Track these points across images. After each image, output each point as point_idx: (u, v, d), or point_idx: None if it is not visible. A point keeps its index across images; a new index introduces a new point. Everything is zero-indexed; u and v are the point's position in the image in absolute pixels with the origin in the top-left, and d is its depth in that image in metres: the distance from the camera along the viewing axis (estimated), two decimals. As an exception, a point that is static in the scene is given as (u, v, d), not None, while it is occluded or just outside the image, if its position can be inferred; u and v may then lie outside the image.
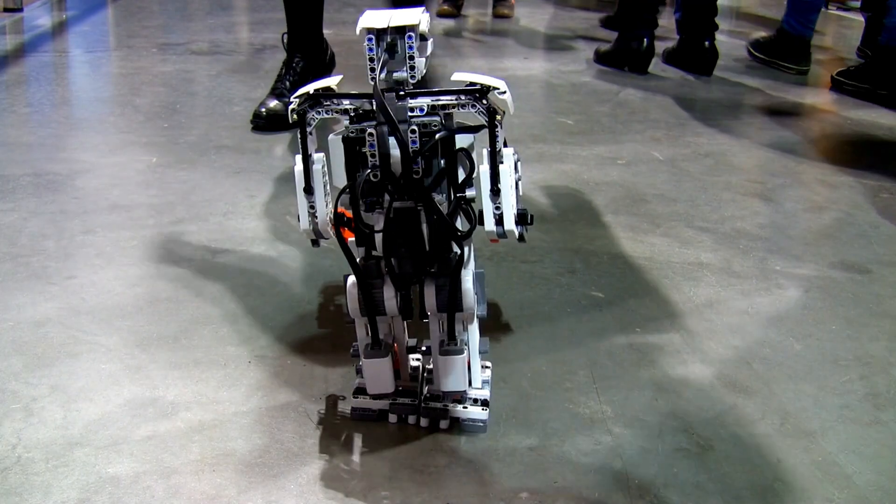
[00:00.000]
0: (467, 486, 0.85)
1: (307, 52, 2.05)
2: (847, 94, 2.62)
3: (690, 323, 1.19)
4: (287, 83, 2.02)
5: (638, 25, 2.74)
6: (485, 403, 0.95)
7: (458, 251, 0.88)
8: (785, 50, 2.92)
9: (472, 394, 0.95)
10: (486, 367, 1.00)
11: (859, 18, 4.26)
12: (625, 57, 2.77)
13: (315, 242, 0.92)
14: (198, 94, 2.26)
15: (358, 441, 0.91)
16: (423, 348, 1.00)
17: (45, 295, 1.19)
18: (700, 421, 0.97)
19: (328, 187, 0.88)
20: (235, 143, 1.87)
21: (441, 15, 3.70)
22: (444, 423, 0.94)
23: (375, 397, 0.95)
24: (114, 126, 1.96)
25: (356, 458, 0.89)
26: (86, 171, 1.66)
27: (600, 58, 2.84)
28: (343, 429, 0.93)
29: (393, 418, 0.94)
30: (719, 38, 2.81)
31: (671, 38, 2.93)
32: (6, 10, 3.12)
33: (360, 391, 0.96)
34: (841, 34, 3.90)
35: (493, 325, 1.14)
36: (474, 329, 0.93)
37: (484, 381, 0.97)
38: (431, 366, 0.96)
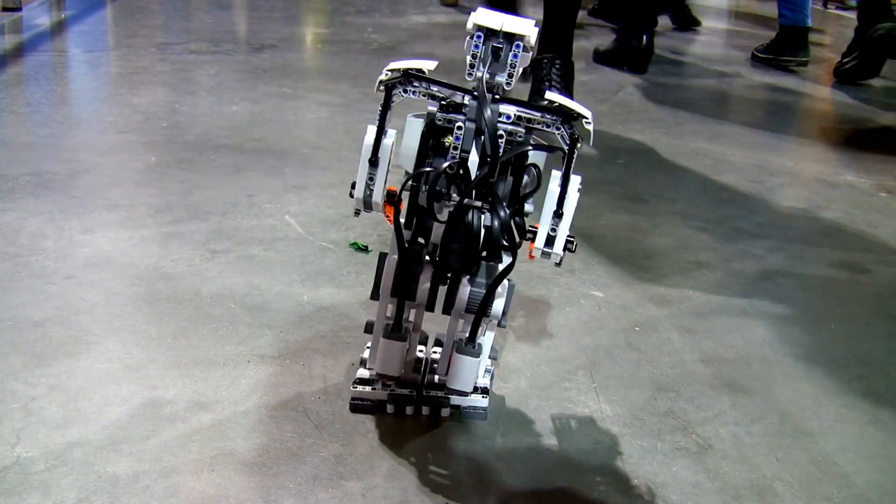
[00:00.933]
0: (467, 486, 0.85)
1: (559, 50, 2.09)
2: (848, 81, 2.65)
3: (689, 322, 1.19)
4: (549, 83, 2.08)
5: (637, 24, 2.74)
6: (485, 391, 0.97)
7: (508, 260, 0.89)
8: (783, 44, 2.91)
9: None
10: (491, 357, 1.01)
11: (858, 18, 4.26)
12: (624, 56, 2.76)
13: (357, 213, 0.93)
14: (197, 94, 2.26)
15: (357, 440, 0.91)
16: (434, 340, 1.02)
17: (44, 294, 1.19)
18: (699, 420, 0.97)
19: (391, 164, 0.90)
20: (234, 143, 1.87)
21: (443, 3, 3.84)
22: (445, 411, 0.95)
23: (374, 387, 0.96)
24: (113, 125, 1.96)
25: (355, 457, 0.89)
26: (85, 170, 1.66)
27: (599, 57, 2.84)
28: (342, 428, 0.93)
29: (390, 408, 0.96)
30: (718, 39, 2.81)
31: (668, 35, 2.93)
32: (5, 9, 3.12)
33: (359, 381, 0.98)
34: (840, 33, 3.90)
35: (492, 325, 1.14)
36: (490, 335, 0.95)
37: (486, 371, 0.99)
38: (436, 356, 0.98)
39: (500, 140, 0.86)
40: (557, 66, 2.08)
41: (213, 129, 1.96)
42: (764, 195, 1.71)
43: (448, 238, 0.88)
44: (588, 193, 1.67)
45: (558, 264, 0.91)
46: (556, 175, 0.87)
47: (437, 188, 0.87)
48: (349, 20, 3.41)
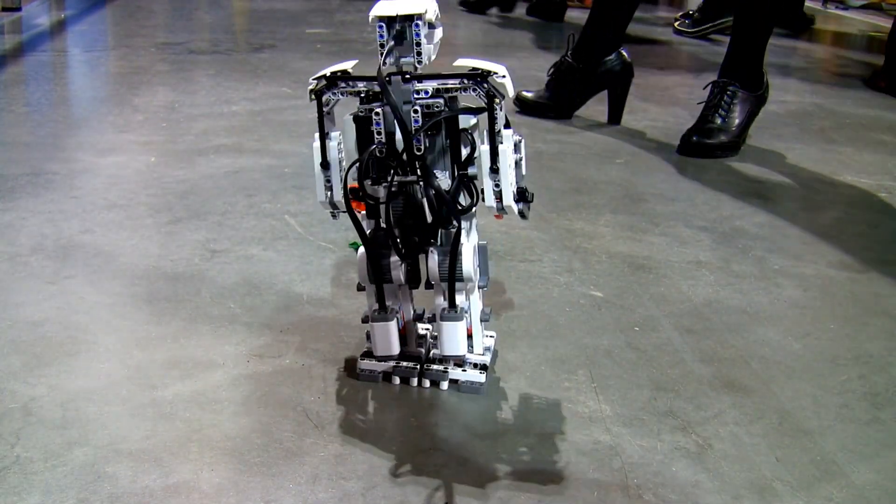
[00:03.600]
0: (467, 486, 0.85)
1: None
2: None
3: (689, 322, 1.19)
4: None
5: None
6: (484, 368, 1.01)
7: (458, 224, 0.93)
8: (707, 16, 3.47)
9: (473, 359, 1.02)
10: (491, 336, 1.06)
11: (859, 18, 4.26)
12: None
13: (334, 215, 0.99)
14: (196, 94, 2.26)
15: (357, 440, 0.91)
16: (429, 316, 1.06)
17: (44, 294, 1.19)
18: (699, 420, 0.97)
19: (343, 163, 0.95)
20: (234, 143, 1.87)
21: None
22: (444, 385, 1.00)
23: (381, 360, 1.01)
24: (112, 125, 1.96)
25: (355, 457, 0.89)
26: (84, 170, 1.66)
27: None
28: (342, 428, 0.93)
29: (396, 380, 1.00)
30: (724, 38, 2.81)
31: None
32: (4, 9, 3.12)
33: (367, 354, 1.02)
34: (841, 32, 3.90)
35: (492, 325, 1.14)
36: (475, 298, 0.99)
37: (486, 349, 1.03)
38: (436, 332, 1.02)
39: (416, 115, 0.89)
40: (729, 92, 1.99)
41: (213, 129, 1.96)
42: (763, 195, 1.71)
43: (394, 216, 0.94)
44: (588, 193, 1.67)
45: (524, 216, 0.95)
46: (485, 134, 0.91)
47: (378, 173, 0.93)
48: (348, 22, 3.41)
